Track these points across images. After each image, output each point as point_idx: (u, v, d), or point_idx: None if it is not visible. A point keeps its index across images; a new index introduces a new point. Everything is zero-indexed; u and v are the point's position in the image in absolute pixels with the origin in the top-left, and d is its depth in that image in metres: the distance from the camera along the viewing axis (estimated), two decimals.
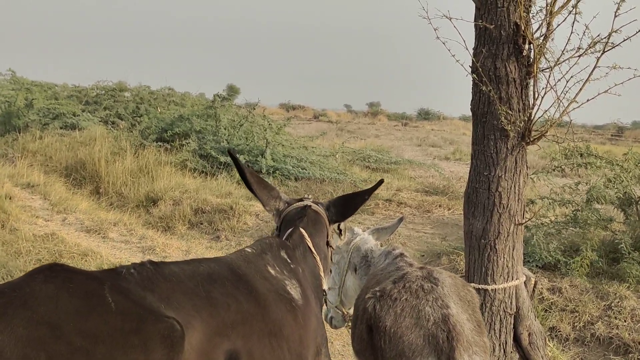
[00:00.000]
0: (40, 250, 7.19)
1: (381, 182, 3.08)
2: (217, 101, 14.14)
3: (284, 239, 2.66)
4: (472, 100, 4.11)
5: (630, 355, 5.73)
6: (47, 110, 15.54)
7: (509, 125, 3.84)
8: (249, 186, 2.82)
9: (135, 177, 11.44)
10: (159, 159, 12.28)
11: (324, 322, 2.74)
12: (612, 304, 6.33)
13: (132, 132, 14.47)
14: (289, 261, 2.47)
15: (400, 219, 4.29)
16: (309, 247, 2.70)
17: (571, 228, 7.81)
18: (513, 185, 3.98)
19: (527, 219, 4.11)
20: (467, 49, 3.87)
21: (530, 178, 7.89)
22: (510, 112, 3.85)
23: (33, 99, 15.54)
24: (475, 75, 3.92)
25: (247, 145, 12.88)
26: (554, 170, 7.69)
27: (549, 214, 7.85)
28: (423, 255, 8.04)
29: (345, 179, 12.38)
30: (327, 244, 2.93)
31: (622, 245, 6.88)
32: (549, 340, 5.85)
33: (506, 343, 4.14)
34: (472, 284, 4.03)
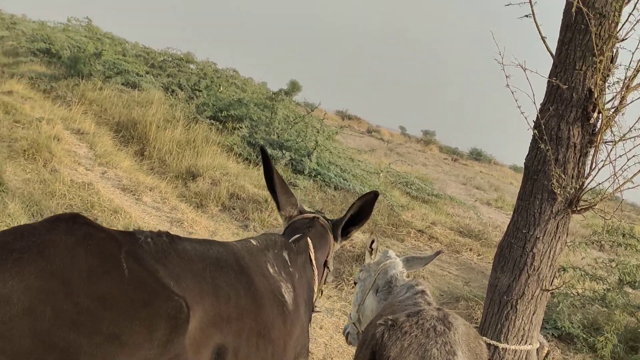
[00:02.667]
0: (74, 197, 7.30)
1: (376, 194, 2.95)
2: (280, 94, 14.20)
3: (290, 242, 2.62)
4: (527, 155, 4.04)
5: None
6: (113, 63, 15.79)
7: (559, 189, 3.76)
8: (271, 186, 2.81)
9: (181, 149, 11.54)
10: (208, 136, 12.36)
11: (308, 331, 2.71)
12: None
13: (188, 104, 14.61)
14: (289, 263, 2.44)
15: (438, 253, 4.22)
16: (311, 259, 2.67)
17: (597, 306, 7.63)
18: (549, 250, 3.90)
19: (555, 287, 4.02)
20: (534, 103, 3.81)
21: (568, 246, 7.74)
22: (563, 176, 3.77)
23: (102, 50, 15.80)
24: (536, 132, 3.85)
25: (297, 143, 12.89)
26: (593, 243, 7.53)
27: (578, 285, 7.68)
28: (442, 295, 7.94)
29: (383, 199, 12.31)
30: (325, 263, 2.88)
31: None
32: None
33: None
34: (484, 338, 3.95)
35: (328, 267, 2.91)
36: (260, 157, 2.78)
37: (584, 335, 6.87)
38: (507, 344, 3.97)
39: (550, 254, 3.92)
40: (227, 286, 1.91)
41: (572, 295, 7.52)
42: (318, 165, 12.46)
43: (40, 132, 9.17)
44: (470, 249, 11.08)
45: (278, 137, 13.10)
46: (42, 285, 1.34)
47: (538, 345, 4.13)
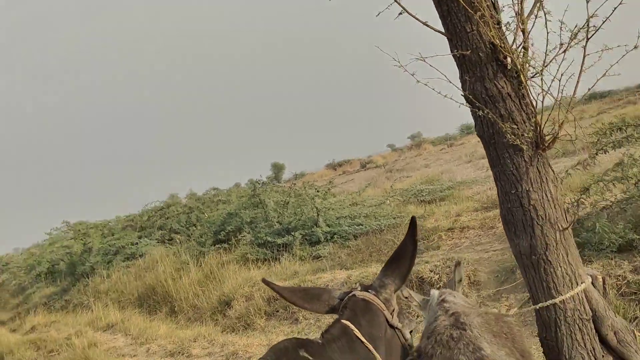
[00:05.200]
0: None
1: (413, 220, 2.90)
2: (257, 188, 14.38)
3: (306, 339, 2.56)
4: (475, 127, 4.11)
5: None
6: (107, 248, 16.07)
7: (518, 139, 3.81)
8: (293, 303, 2.83)
9: (204, 286, 11.62)
10: (221, 261, 12.45)
11: None
12: None
13: (189, 242, 14.77)
14: (310, 358, 2.37)
15: (457, 264, 4.20)
16: (359, 337, 2.56)
17: (636, 202, 7.55)
18: (544, 195, 3.92)
19: (570, 222, 4.02)
20: (451, 82, 3.89)
21: (577, 169, 7.71)
22: (514, 126, 3.82)
23: (89, 243, 16.10)
24: (469, 104, 3.93)
25: (299, 220, 12.97)
26: (596, 154, 7.45)
27: (607, 195, 7.61)
28: (497, 276, 7.89)
29: (402, 221, 12.31)
30: (391, 325, 2.77)
31: None
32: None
33: (594, 349, 4.00)
34: (540, 304, 3.96)
35: (395, 328, 2.79)
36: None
37: (639, 236, 6.80)
38: (561, 295, 3.95)
39: (547, 196, 3.94)
40: None
41: (607, 207, 7.48)
42: (329, 227, 12.52)
43: (74, 349, 9.25)
44: None
45: (280, 224, 13.18)
46: None
47: (590, 279, 4.10)
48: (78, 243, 16.09)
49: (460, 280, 4.13)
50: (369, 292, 2.81)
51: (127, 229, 18.11)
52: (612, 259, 6.82)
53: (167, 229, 16.57)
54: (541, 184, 3.92)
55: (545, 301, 3.99)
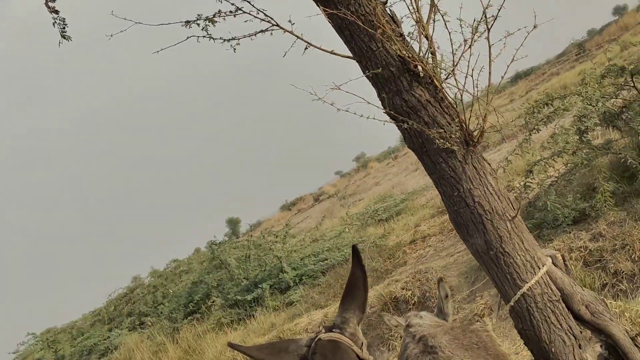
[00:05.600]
0: None
1: (354, 248, 2.89)
2: (215, 250, 14.22)
3: None
4: (404, 140, 4.13)
5: None
6: (79, 350, 15.62)
7: (447, 142, 3.83)
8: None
9: None
10: (196, 332, 12.21)
11: None
12: None
13: (160, 321, 14.46)
14: None
15: (439, 281, 4.19)
16: None
17: (579, 170, 7.71)
18: (485, 189, 3.95)
19: (517, 209, 4.05)
20: (369, 103, 3.91)
21: (517, 154, 7.83)
22: (441, 130, 3.85)
23: (60, 350, 15.64)
24: (393, 120, 3.95)
25: (264, 270, 12.85)
26: (530, 135, 7.61)
27: (550, 171, 7.76)
28: (467, 277, 7.91)
29: (365, 246, 12.30)
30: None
31: (630, 161, 6.78)
32: (611, 294, 5.71)
33: (570, 327, 4.00)
34: (513, 298, 3.96)
35: None
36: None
37: (589, 204, 6.93)
38: (527, 282, 3.97)
39: (489, 190, 3.97)
40: None
41: (552, 184, 7.61)
42: (295, 270, 12.43)
43: None
44: None
45: (246, 279, 13.03)
46: None
47: (550, 260, 4.13)
48: (49, 352, 15.60)
49: (447, 296, 4.12)
50: (333, 331, 2.74)
51: (95, 325, 17.66)
52: (570, 232, 6.92)
53: (135, 314, 16.22)
54: (480, 180, 3.95)
55: (513, 293, 3.99)
